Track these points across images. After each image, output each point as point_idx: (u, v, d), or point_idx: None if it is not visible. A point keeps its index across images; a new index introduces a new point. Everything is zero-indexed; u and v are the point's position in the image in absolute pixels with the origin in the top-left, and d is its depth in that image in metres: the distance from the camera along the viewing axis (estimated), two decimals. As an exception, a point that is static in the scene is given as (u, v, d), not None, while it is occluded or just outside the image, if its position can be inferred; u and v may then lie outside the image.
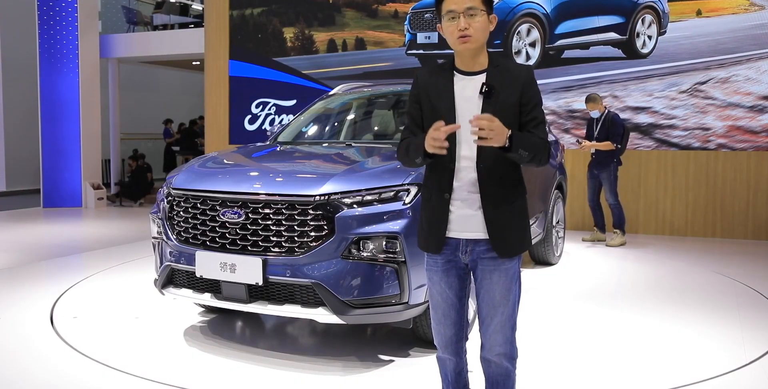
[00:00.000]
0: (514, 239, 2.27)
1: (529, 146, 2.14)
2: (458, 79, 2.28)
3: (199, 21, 13.25)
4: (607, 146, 6.95)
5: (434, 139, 2.11)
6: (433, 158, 2.24)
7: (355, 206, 3.31)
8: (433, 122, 2.21)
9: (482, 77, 2.25)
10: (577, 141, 7.39)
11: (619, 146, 7.00)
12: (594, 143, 7.04)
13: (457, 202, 2.26)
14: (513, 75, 2.25)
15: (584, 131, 7.48)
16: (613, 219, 7.31)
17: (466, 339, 2.44)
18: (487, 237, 2.24)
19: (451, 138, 2.22)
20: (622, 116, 8.25)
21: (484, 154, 2.22)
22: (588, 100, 7.11)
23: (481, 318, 2.33)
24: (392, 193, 3.38)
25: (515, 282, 2.30)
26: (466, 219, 2.25)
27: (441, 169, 2.27)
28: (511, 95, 2.23)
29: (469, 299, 2.50)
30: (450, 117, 2.24)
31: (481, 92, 2.22)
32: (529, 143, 2.15)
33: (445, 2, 2.24)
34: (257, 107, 10.53)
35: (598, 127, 7.05)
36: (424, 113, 2.33)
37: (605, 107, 7.20)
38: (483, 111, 2.20)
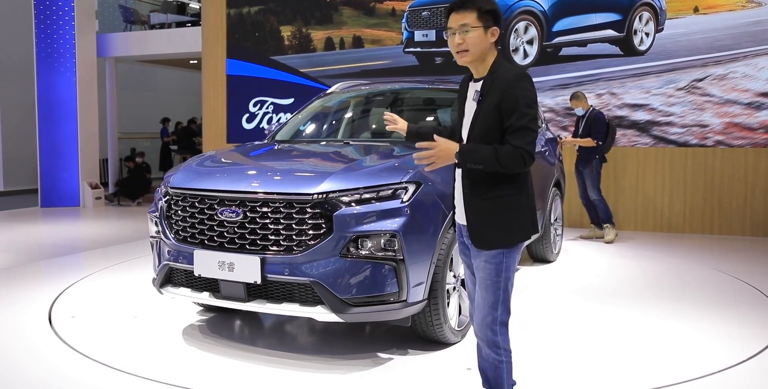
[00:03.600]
0: (491, 233, 2.42)
1: (479, 160, 2.33)
2: (471, 84, 2.54)
3: (196, 20, 13.23)
4: (587, 142, 7.03)
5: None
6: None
7: (353, 204, 3.31)
8: (455, 122, 2.64)
9: (480, 84, 2.46)
10: (558, 137, 7.45)
11: (601, 143, 7.06)
12: (574, 139, 7.14)
13: (457, 191, 2.55)
14: (500, 81, 2.40)
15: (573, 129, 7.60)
16: (600, 215, 7.37)
17: None
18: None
19: (458, 136, 2.55)
20: (620, 113, 8.28)
21: None
22: (572, 98, 7.22)
23: None
24: (390, 191, 3.38)
25: (496, 271, 2.42)
26: (459, 206, 2.54)
27: (453, 163, 2.51)
28: (493, 102, 2.39)
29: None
30: (459, 118, 2.57)
31: (473, 99, 2.47)
32: (478, 156, 2.33)
33: (448, 20, 2.45)
34: (255, 105, 10.52)
35: (582, 124, 7.15)
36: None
37: (591, 105, 7.28)
38: (473, 116, 2.45)
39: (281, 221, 3.33)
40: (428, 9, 9.10)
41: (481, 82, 2.44)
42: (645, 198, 8.31)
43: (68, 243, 7.68)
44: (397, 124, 2.95)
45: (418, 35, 9.21)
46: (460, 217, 2.53)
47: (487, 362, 2.49)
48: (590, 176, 7.21)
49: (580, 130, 7.19)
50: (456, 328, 3.75)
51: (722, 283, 5.41)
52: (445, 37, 2.48)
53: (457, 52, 2.41)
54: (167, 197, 3.75)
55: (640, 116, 8.23)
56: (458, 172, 2.52)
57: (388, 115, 2.96)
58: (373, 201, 3.34)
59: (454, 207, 2.63)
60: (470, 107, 2.48)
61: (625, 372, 3.40)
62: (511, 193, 2.41)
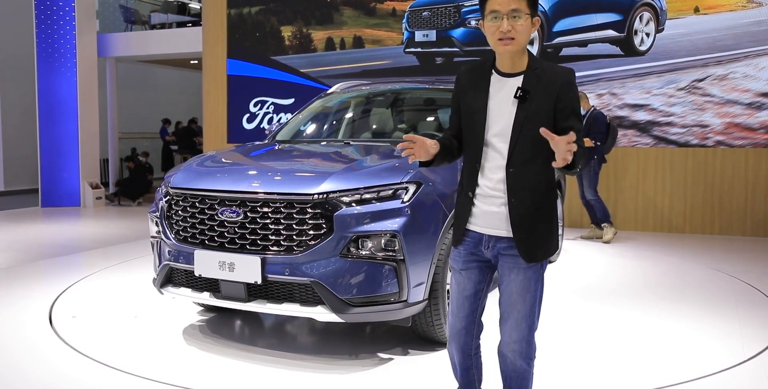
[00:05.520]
0: (540, 245, 2.27)
1: (580, 159, 2.15)
2: (495, 80, 2.27)
3: (196, 20, 13.24)
4: (586, 142, 7.03)
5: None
6: (427, 166, 2.33)
7: (353, 204, 3.31)
8: (467, 122, 2.30)
9: (519, 80, 2.24)
10: None
11: (599, 143, 7.06)
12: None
13: (481, 198, 2.29)
14: (550, 79, 2.22)
15: None
16: (597, 215, 7.38)
17: (476, 338, 2.43)
18: (509, 236, 2.25)
19: (478, 139, 2.27)
20: (620, 113, 8.28)
21: (514, 158, 2.22)
22: None
23: (500, 313, 2.36)
24: (391, 191, 3.38)
25: (535, 282, 2.29)
26: (489, 215, 2.28)
27: (469, 167, 2.32)
28: (546, 101, 2.20)
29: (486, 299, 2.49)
30: (480, 118, 2.26)
31: (515, 96, 2.21)
32: (580, 156, 2.15)
33: (489, 1, 2.19)
34: (255, 105, 10.52)
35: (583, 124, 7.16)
36: (462, 112, 2.35)
37: (592, 106, 7.27)
38: (516, 115, 2.21)
39: (282, 221, 3.33)
40: (429, 9, 9.10)
41: (521, 77, 2.22)
42: (645, 198, 8.31)
43: (69, 243, 7.68)
44: (415, 144, 2.25)
45: (419, 35, 9.21)
46: (488, 227, 2.28)
47: (515, 372, 2.37)
48: (587, 176, 7.23)
49: None
50: (456, 328, 3.75)
51: (722, 283, 5.41)
52: (475, 24, 2.28)
53: (501, 40, 2.17)
54: (168, 197, 3.75)
55: (641, 116, 8.23)
56: (488, 180, 2.26)
57: (408, 137, 2.25)
58: (373, 201, 3.34)
59: (465, 218, 2.33)
60: (504, 104, 2.23)
61: (626, 373, 3.40)
62: (555, 200, 2.32)
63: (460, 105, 2.36)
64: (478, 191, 2.28)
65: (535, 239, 2.25)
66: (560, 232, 6.47)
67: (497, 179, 2.24)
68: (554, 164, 2.08)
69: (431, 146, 2.26)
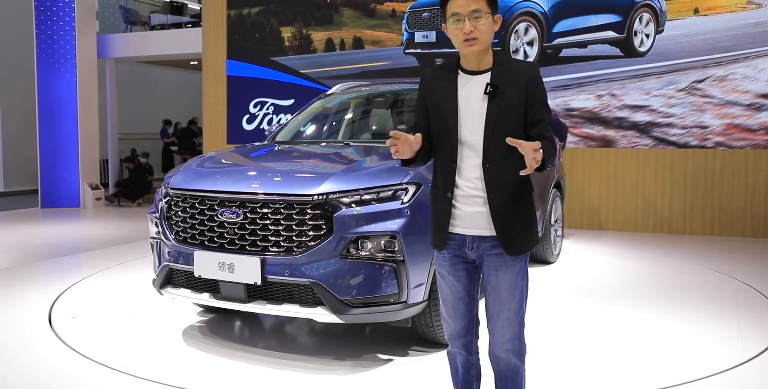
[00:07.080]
0: (522, 238, 2.28)
1: (548, 156, 2.14)
2: (462, 78, 2.29)
3: (196, 21, 13.24)
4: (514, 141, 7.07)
5: (391, 146, 2.16)
6: (408, 164, 2.29)
7: (353, 205, 3.31)
8: (438, 122, 2.29)
9: (486, 77, 2.25)
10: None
11: None
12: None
13: (461, 199, 2.27)
14: (518, 74, 2.24)
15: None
16: None
17: (477, 336, 2.43)
18: (493, 234, 2.25)
19: (452, 139, 2.26)
20: (620, 114, 8.29)
21: (490, 154, 2.22)
22: None
23: (488, 315, 2.33)
24: (390, 192, 3.38)
25: (522, 278, 2.30)
26: (471, 216, 2.26)
27: (444, 169, 2.30)
28: (517, 95, 2.22)
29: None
30: (452, 117, 2.26)
31: (485, 92, 2.22)
32: (547, 152, 2.14)
33: (449, 4, 2.24)
34: (255, 106, 10.52)
35: None
36: (430, 113, 2.34)
37: None
38: (488, 111, 2.22)
39: (281, 222, 3.33)
40: (428, 10, 9.11)
41: (488, 74, 2.24)
42: (645, 199, 8.31)
43: (68, 244, 7.68)
44: (399, 140, 2.16)
45: (419, 36, 9.21)
46: (472, 227, 2.26)
47: (510, 372, 2.36)
48: None
49: None
50: (456, 329, 3.75)
51: (722, 284, 5.41)
52: (441, 27, 2.31)
53: (465, 40, 2.20)
54: (167, 197, 3.75)
55: (641, 117, 8.23)
56: (466, 179, 2.25)
57: (394, 134, 2.16)
58: (373, 202, 3.34)
59: (446, 220, 2.29)
60: (474, 101, 2.24)
61: (626, 373, 3.40)
62: (529, 193, 2.32)
63: (428, 107, 2.34)
64: (457, 192, 2.27)
65: (520, 232, 2.26)
66: (560, 233, 6.47)
67: (474, 178, 2.24)
68: (522, 172, 2.08)
69: (414, 142, 2.20)
